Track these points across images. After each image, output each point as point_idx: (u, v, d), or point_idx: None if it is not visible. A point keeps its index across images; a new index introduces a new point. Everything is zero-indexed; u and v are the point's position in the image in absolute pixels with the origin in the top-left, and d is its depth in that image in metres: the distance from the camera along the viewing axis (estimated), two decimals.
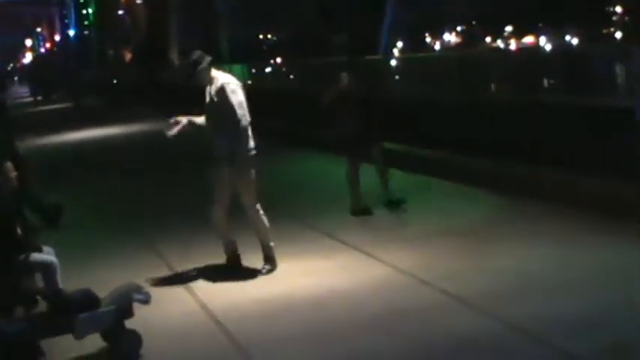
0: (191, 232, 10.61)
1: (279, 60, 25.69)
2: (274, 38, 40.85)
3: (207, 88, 8.64)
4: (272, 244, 8.75)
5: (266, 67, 24.15)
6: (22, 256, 7.47)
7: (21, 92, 62.86)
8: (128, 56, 47.05)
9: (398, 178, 11.64)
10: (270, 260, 8.70)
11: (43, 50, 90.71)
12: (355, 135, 10.64)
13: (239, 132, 8.51)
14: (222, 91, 8.51)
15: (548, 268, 7.75)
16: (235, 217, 8.86)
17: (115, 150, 21.49)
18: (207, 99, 8.64)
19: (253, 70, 24.11)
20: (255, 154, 8.66)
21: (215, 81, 8.60)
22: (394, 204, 10.77)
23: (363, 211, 10.63)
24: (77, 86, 41.37)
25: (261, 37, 41.74)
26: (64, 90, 49.18)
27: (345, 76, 10.82)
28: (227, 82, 8.57)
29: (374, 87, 11.27)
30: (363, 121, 10.61)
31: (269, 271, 8.60)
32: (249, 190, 8.63)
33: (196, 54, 8.67)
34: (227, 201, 8.68)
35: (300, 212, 11.12)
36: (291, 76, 21.98)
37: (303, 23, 23.78)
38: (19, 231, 7.78)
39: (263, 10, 36.51)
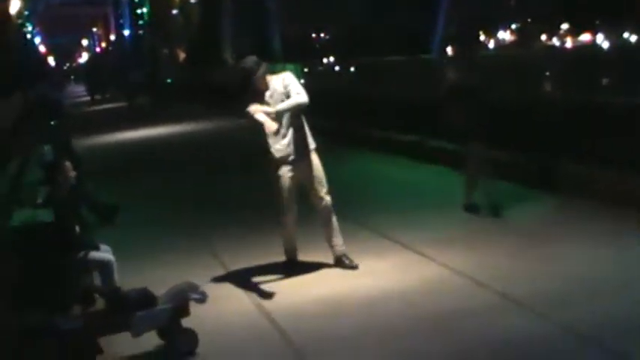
0: (246, 231, 10.69)
1: (331, 58, 25.70)
2: (327, 37, 40.88)
3: (266, 93, 8.50)
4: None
5: (319, 65, 24.15)
6: (80, 254, 7.58)
7: (77, 91, 63.63)
8: (181, 56, 47.40)
9: (453, 178, 11.59)
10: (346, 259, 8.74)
11: (98, 50, 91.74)
12: (470, 127, 10.26)
13: (306, 128, 8.58)
14: (286, 93, 8.44)
15: (603, 270, 7.67)
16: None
17: (168, 149, 21.65)
18: (269, 103, 8.47)
19: (306, 69, 24.14)
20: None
21: (273, 84, 8.53)
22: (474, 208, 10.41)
23: (472, 207, 10.35)
24: (131, 86, 41.75)
25: (313, 35, 41.80)
26: (116, 89, 49.72)
27: (452, 69, 10.61)
28: (287, 83, 8.52)
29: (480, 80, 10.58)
30: (474, 113, 10.21)
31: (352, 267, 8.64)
32: (323, 180, 8.64)
33: (251, 61, 8.53)
34: (294, 204, 8.69)
35: (353, 212, 11.10)
36: (346, 75, 21.95)
37: (356, 22, 23.77)
38: (76, 229, 7.89)
39: (315, 8, 36.55)
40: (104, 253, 7.89)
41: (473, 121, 10.15)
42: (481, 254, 8.61)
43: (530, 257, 8.35)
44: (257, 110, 8.34)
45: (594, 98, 11.38)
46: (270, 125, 8.31)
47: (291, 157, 8.54)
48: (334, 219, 8.75)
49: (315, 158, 8.67)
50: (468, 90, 10.20)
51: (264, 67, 8.53)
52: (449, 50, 22.18)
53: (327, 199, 8.69)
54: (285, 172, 8.56)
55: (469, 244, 9.02)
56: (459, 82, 10.37)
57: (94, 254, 7.74)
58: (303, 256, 8.97)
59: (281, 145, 8.52)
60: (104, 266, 7.72)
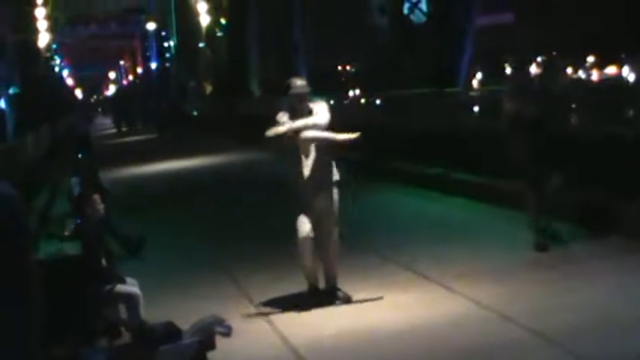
0: (270, 263, 10.68)
1: (357, 91, 25.75)
2: (353, 70, 41.00)
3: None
4: None
5: (345, 98, 24.19)
6: (106, 287, 7.61)
7: (104, 123, 64.10)
8: (208, 88, 47.69)
9: (478, 210, 11.52)
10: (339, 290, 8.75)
11: (125, 82, 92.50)
12: (530, 160, 9.87)
13: (333, 166, 8.69)
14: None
15: (631, 306, 7.60)
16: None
17: (195, 181, 21.72)
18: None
19: (332, 102, 24.17)
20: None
21: (314, 109, 8.66)
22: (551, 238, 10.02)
23: (541, 246, 9.78)
24: (159, 118, 42.06)
25: (339, 68, 41.94)
26: (143, 122, 50.06)
27: (510, 99, 10.15)
28: (317, 109, 8.65)
29: (549, 110, 10.11)
30: (537, 146, 9.75)
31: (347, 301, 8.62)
32: (334, 215, 8.70)
33: (300, 82, 8.75)
34: (312, 233, 8.72)
35: (377, 244, 11.10)
36: (372, 108, 21.99)
37: (383, 54, 23.86)
38: (103, 262, 7.93)
39: (342, 41, 36.71)
40: (130, 286, 7.90)
41: (538, 154, 9.74)
42: (508, 288, 8.56)
43: (558, 291, 8.28)
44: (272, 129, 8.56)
45: (620, 130, 11.28)
46: (282, 130, 8.49)
47: (316, 187, 8.59)
48: (336, 252, 8.77)
49: (335, 192, 8.72)
50: (530, 121, 9.79)
51: (308, 90, 8.72)
52: (474, 83, 22.17)
53: (335, 233, 8.73)
54: (308, 201, 8.62)
55: (496, 277, 8.96)
56: (520, 112, 9.92)
57: (121, 287, 7.76)
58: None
59: (308, 171, 8.60)
60: (130, 299, 7.74)
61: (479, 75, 25.09)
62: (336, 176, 8.75)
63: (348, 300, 8.67)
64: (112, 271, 8.04)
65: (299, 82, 8.72)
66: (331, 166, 8.73)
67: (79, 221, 8.41)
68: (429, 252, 10.45)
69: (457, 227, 11.91)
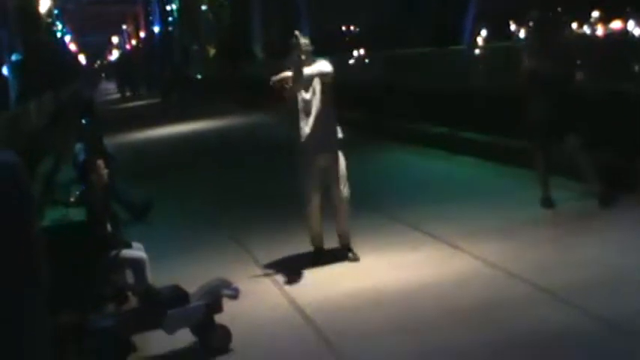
0: (277, 225, 10.68)
1: (361, 51, 25.60)
2: (357, 29, 40.77)
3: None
4: None
5: (349, 59, 24.09)
6: (112, 253, 7.60)
7: (108, 88, 64.00)
8: (211, 52, 47.52)
9: (484, 169, 11.46)
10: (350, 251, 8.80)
11: (128, 47, 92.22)
12: (547, 121, 9.60)
13: (335, 120, 8.69)
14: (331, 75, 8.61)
15: (637, 260, 7.58)
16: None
17: (199, 145, 21.69)
18: (314, 85, 8.58)
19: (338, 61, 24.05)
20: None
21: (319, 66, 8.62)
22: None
23: (547, 202, 9.75)
24: (163, 82, 41.96)
25: (343, 28, 41.69)
26: (147, 86, 49.96)
27: (530, 56, 9.74)
28: (320, 65, 8.62)
29: (571, 68, 9.76)
30: (556, 106, 9.48)
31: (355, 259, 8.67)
32: (343, 174, 8.71)
33: (304, 40, 8.60)
34: (321, 191, 8.74)
35: (383, 204, 11.07)
36: (376, 67, 21.86)
37: (386, 14, 23.73)
38: (109, 227, 7.92)
39: (345, 1, 36.45)
40: (136, 251, 7.90)
41: (554, 113, 9.50)
42: (514, 245, 8.54)
43: (563, 247, 8.27)
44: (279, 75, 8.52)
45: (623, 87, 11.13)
46: (287, 75, 8.44)
47: (318, 146, 8.56)
48: (348, 212, 8.80)
49: (340, 151, 8.72)
50: (548, 79, 9.52)
51: (311, 47, 8.65)
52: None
53: (346, 192, 8.74)
54: (311, 161, 8.60)
55: (503, 235, 8.93)
56: (538, 69, 9.61)
57: (127, 252, 7.76)
58: (333, 246, 8.94)
59: (309, 130, 8.56)
60: (136, 264, 7.74)
61: (483, 32, 24.91)
62: (340, 134, 8.72)
63: (356, 260, 8.67)
64: (118, 237, 8.04)
65: (303, 39, 8.61)
66: (334, 123, 8.69)
67: (83, 187, 8.38)
68: (436, 211, 10.42)
69: (464, 186, 11.88)
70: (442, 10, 20.63)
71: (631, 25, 28.27)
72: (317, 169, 8.67)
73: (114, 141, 20.87)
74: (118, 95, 51.25)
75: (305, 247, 9.04)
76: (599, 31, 31.12)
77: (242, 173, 15.75)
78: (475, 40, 21.84)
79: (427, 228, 9.57)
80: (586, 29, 32.58)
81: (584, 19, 33.66)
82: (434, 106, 15.89)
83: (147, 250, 8.04)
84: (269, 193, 12.91)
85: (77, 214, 8.64)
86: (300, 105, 8.57)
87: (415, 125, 16.30)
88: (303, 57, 8.44)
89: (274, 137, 20.94)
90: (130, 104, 42.79)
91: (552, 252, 8.19)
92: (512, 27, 36.02)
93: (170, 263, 9.21)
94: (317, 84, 8.58)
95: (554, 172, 10.25)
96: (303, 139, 8.59)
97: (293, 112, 8.65)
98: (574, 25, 33.82)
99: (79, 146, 12.45)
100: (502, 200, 10.52)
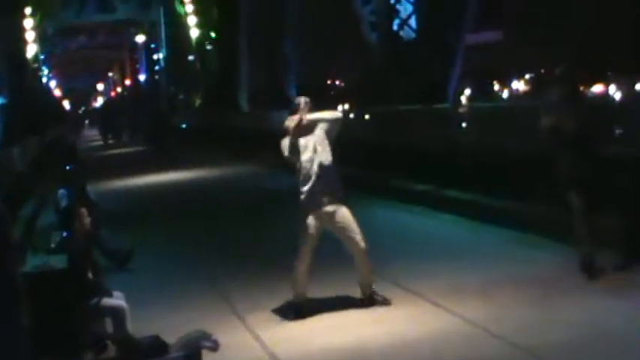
0: (258, 277, 10.65)
1: (346, 106, 25.69)
2: (342, 84, 41.02)
3: (308, 134, 8.79)
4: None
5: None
6: (93, 301, 7.56)
7: (91, 135, 63.96)
8: (197, 101, 47.67)
9: (467, 227, 11.48)
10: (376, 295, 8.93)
11: (113, 94, 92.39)
12: (571, 176, 9.25)
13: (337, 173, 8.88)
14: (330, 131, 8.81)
15: (618, 321, 7.60)
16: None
17: (182, 194, 21.67)
18: (315, 142, 8.76)
19: None
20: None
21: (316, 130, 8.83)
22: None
23: (590, 267, 9.08)
24: (149, 130, 42.03)
25: (329, 82, 41.95)
26: (132, 133, 50.00)
27: (555, 114, 9.35)
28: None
29: (592, 125, 9.37)
30: (577, 161, 9.15)
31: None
32: (353, 224, 8.80)
33: (303, 98, 8.93)
34: (315, 249, 8.80)
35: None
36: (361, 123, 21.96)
37: (373, 69, 23.90)
38: (90, 275, 7.89)
39: (331, 55, 36.70)
40: (117, 300, 7.87)
41: (576, 171, 9.18)
42: (495, 304, 8.55)
43: (544, 307, 8.28)
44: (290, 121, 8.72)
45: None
46: (294, 120, 8.68)
47: (322, 204, 8.69)
48: (367, 262, 8.88)
49: (344, 205, 8.84)
50: (572, 137, 9.16)
51: (309, 106, 8.87)
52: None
53: (363, 244, 8.84)
54: (313, 220, 8.69)
55: (483, 294, 8.95)
56: (562, 127, 9.22)
57: (107, 300, 7.72)
58: (316, 302, 8.93)
59: (312, 189, 8.70)
60: (117, 313, 7.69)
61: (467, 91, 25.13)
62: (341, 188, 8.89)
63: (386, 304, 8.78)
64: (99, 284, 8.00)
65: (302, 98, 8.92)
66: (338, 172, 8.82)
67: (65, 234, 8.35)
68: (417, 268, 10.44)
69: (446, 243, 11.92)
70: (429, 66, 20.82)
71: (612, 89, 28.58)
72: (317, 230, 8.70)
73: (97, 188, 20.81)
74: (101, 142, 51.20)
75: (287, 300, 9.02)
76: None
77: (228, 223, 15.73)
78: (459, 98, 22.01)
79: (408, 285, 9.58)
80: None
81: None
82: (418, 163, 15.98)
83: (128, 299, 8.00)
84: (254, 245, 12.92)
85: (58, 261, 8.59)
86: (303, 160, 8.72)
87: (399, 182, 16.37)
88: (304, 116, 8.68)
89: (259, 187, 21.02)
90: (115, 151, 42.75)
91: (532, 312, 8.21)
92: (496, 87, 36.38)
93: (151, 313, 9.16)
94: (319, 140, 8.72)
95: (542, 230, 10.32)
96: (303, 196, 8.70)
97: (298, 157, 8.81)
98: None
99: (61, 192, 12.40)
100: (482, 259, 10.56)
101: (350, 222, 8.82)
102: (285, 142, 8.79)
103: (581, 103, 9.55)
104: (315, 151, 8.72)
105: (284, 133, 8.84)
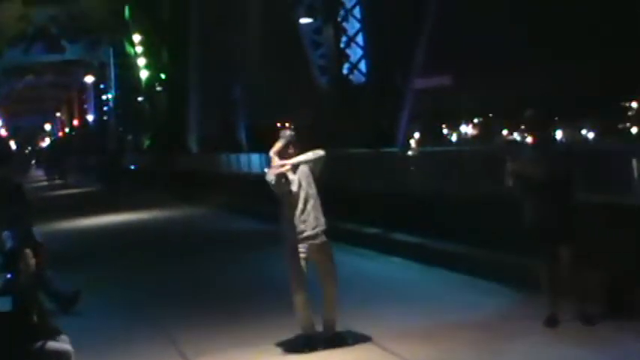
0: (207, 319, 10.58)
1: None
2: (292, 127, 41.18)
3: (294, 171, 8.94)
4: None
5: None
6: (38, 344, 7.44)
7: (38, 175, 63.39)
8: (147, 142, 47.53)
9: (416, 271, 11.50)
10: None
11: (60, 134, 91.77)
12: (546, 227, 8.84)
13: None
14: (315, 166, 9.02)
15: None
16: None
17: (129, 236, 21.50)
18: (300, 177, 8.91)
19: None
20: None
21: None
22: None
23: (551, 321, 8.87)
24: (97, 171, 41.79)
25: (279, 125, 42.10)
26: (80, 174, 49.63)
27: (527, 155, 9.13)
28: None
29: (572, 171, 9.03)
30: (555, 211, 8.77)
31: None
32: (333, 260, 8.98)
33: (289, 133, 9.15)
34: (307, 282, 8.90)
35: (312, 303, 11.02)
36: None
37: (325, 112, 24.08)
38: (35, 318, 7.76)
39: (282, 98, 36.88)
40: (62, 344, 7.74)
41: (542, 219, 8.82)
42: (443, 348, 8.57)
43: (493, 352, 8.31)
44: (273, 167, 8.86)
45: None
46: (278, 167, 8.81)
47: (310, 236, 8.85)
48: (335, 298, 8.98)
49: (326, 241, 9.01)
50: (539, 182, 8.83)
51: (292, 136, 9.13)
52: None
53: (337, 278, 8.99)
54: (302, 251, 8.81)
55: (432, 338, 8.97)
56: (527, 173, 8.93)
57: (52, 344, 7.59)
58: (264, 348, 8.88)
59: (302, 224, 8.83)
60: (62, 357, 7.57)
61: (416, 134, 25.37)
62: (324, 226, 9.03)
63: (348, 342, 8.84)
64: (45, 327, 7.87)
65: (288, 132, 9.17)
66: (322, 207, 9.00)
67: (10, 276, 8.22)
68: (364, 312, 10.42)
69: (395, 287, 11.94)
70: (378, 110, 21.00)
71: (559, 134, 29.05)
72: (305, 257, 8.83)
73: (43, 229, 20.59)
74: (46, 182, 50.74)
75: (237, 342, 8.96)
76: (529, 138, 31.82)
77: (177, 266, 15.63)
78: (408, 141, 22.21)
79: (356, 328, 9.55)
80: (516, 136, 33.41)
81: (515, 126, 34.57)
82: (367, 207, 16.04)
83: (73, 343, 7.88)
84: (204, 287, 12.84)
85: (3, 304, 8.46)
86: (289, 197, 8.83)
87: (348, 225, 16.39)
88: (290, 149, 8.90)
89: (208, 229, 20.95)
90: (62, 192, 42.36)
91: (480, 356, 8.23)
92: (445, 130, 36.78)
93: (97, 357, 9.04)
94: (303, 175, 8.88)
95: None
96: (292, 229, 8.79)
97: (282, 205, 8.91)
98: (504, 132, 34.70)
99: (6, 233, 12.23)
100: (431, 302, 10.59)
101: (332, 257, 9.02)
102: (272, 175, 8.85)
103: (550, 148, 9.20)
104: (300, 185, 8.87)
105: (268, 165, 9.06)
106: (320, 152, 9.15)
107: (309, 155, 9.07)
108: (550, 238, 8.85)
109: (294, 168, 8.95)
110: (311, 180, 8.98)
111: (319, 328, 8.94)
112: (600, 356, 7.87)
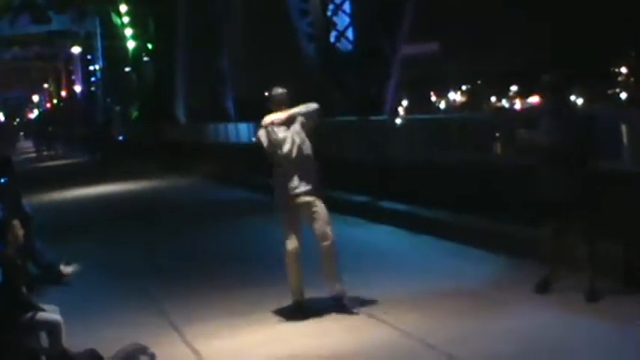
0: (196, 290, 10.61)
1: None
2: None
3: (286, 127, 8.91)
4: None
5: None
6: (27, 315, 7.47)
7: (26, 147, 63.20)
8: (134, 113, 47.39)
9: (403, 239, 11.53)
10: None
11: (48, 105, 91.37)
12: (557, 200, 8.49)
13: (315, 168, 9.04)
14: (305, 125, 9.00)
15: (552, 333, 7.70)
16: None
17: (117, 207, 21.51)
18: (291, 134, 8.89)
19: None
20: None
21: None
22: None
23: (544, 286, 8.80)
24: (85, 142, 41.70)
25: (266, 94, 42.01)
26: (68, 145, 49.52)
27: (545, 129, 8.58)
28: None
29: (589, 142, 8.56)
30: (569, 182, 8.39)
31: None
32: (328, 217, 8.95)
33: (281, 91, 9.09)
34: (300, 237, 8.96)
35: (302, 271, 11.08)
36: None
37: (310, 83, 24.01)
38: (24, 289, 7.79)
39: (269, 67, 36.76)
40: (51, 314, 7.77)
41: (564, 193, 8.40)
42: (431, 315, 8.62)
43: (479, 318, 8.36)
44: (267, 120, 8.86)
45: None
46: (276, 116, 8.82)
47: (300, 194, 8.84)
48: (336, 258, 9.02)
49: (321, 199, 8.97)
50: (564, 153, 8.40)
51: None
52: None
53: (332, 238, 9.01)
54: (292, 210, 8.87)
55: (421, 305, 9.01)
56: (552, 144, 8.47)
57: (42, 315, 7.63)
58: (255, 317, 8.91)
59: (293, 184, 8.84)
60: (51, 327, 7.60)
61: (404, 102, 25.35)
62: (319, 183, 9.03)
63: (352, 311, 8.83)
64: (33, 298, 7.90)
65: (279, 89, 9.08)
66: (316, 165, 9.01)
67: None
68: (353, 280, 10.43)
69: (382, 255, 11.98)
70: (366, 78, 20.96)
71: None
72: (295, 216, 8.87)
73: (33, 200, 20.58)
74: (35, 154, 50.61)
75: (227, 312, 8.99)
76: (518, 104, 31.94)
77: (164, 236, 15.65)
78: (396, 109, 22.18)
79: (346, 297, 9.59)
80: (504, 103, 33.41)
81: (503, 93, 34.53)
82: (355, 175, 16.06)
83: (63, 313, 7.91)
84: (191, 257, 12.90)
85: None
86: (282, 152, 8.83)
87: (336, 193, 16.41)
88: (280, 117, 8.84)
89: (196, 199, 20.98)
90: (51, 163, 42.27)
91: (469, 323, 8.27)
92: (433, 98, 36.75)
93: (86, 327, 9.06)
94: (296, 130, 8.88)
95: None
96: (282, 186, 8.81)
97: (275, 160, 8.92)
98: (493, 99, 34.69)
99: None
100: (419, 270, 10.64)
101: (324, 214, 8.96)
102: (263, 135, 8.83)
103: (571, 115, 8.75)
104: (293, 143, 8.85)
105: (262, 126, 8.97)
106: (313, 105, 9.10)
107: (302, 108, 9.03)
108: (560, 212, 8.51)
109: (288, 124, 8.88)
110: (304, 137, 8.96)
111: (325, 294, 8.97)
112: (591, 322, 7.91)
